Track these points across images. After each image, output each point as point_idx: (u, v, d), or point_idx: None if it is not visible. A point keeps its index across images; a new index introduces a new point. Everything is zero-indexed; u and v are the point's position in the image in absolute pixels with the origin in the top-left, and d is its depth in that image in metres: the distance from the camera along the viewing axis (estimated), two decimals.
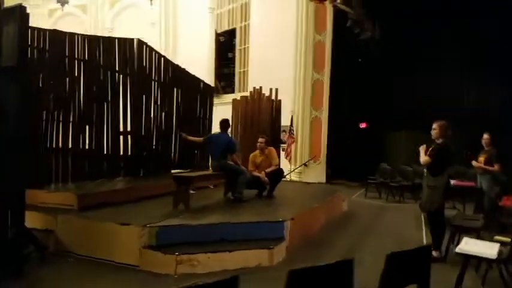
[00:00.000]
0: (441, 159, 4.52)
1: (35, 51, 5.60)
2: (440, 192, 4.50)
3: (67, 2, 17.53)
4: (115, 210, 4.91)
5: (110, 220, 4.31)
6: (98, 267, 4.09)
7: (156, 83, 7.96)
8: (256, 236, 4.51)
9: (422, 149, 4.62)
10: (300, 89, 13.37)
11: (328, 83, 13.09)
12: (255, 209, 5.71)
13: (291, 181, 12.35)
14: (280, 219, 4.74)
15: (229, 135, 6.05)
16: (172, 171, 8.26)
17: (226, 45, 16.55)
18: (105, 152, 6.81)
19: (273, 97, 10.57)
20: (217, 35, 16.84)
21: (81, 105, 6.36)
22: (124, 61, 7.17)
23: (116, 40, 7.05)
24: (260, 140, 6.71)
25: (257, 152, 6.75)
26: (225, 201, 6.13)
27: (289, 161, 13.30)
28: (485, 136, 6.38)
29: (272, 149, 6.83)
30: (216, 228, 4.42)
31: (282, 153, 13.16)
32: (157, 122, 8.04)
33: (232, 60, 16.46)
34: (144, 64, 7.61)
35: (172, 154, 8.59)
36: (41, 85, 5.67)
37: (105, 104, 6.80)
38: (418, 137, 10.30)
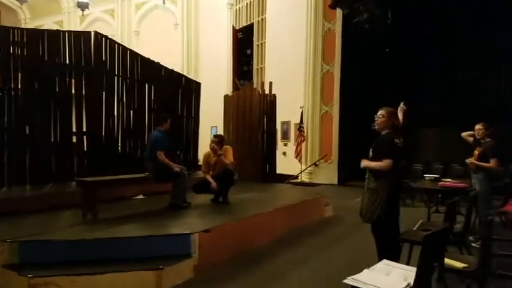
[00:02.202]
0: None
1: None
2: (383, 197, 3.35)
3: (87, 7, 17.75)
4: (12, 220, 4.29)
5: None
6: None
7: (120, 78, 7.37)
8: (156, 254, 3.69)
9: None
10: (309, 82, 12.26)
11: (338, 75, 11.85)
12: (188, 217, 4.87)
13: (297, 183, 11.26)
14: (187, 232, 3.87)
15: (160, 130, 5.18)
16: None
17: (244, 42, 15.92)
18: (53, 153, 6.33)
19: (267, 91, 9.68)
20: (236, 31, 16.21)
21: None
22: (77, 56, 6.66)
23: (66, 34, 6.56)
24: (212, 139, 5.85)
25: (210, 151, 5.90)
26: (163, 209, 5.27)
27: (299, 160, 12.25)
28: (477, 127, 4.97)
29: (228, 147, 5.93)
30: (101, 244, 3.64)
31: (292, 153, 12.23)
32: (123, 121, 7.44)
33: (251, 57, 15.79)
34: (103, 58, 7.05)
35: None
36: None
37: (52, 101, 6.32)
38: (449, 135, 8.89)
